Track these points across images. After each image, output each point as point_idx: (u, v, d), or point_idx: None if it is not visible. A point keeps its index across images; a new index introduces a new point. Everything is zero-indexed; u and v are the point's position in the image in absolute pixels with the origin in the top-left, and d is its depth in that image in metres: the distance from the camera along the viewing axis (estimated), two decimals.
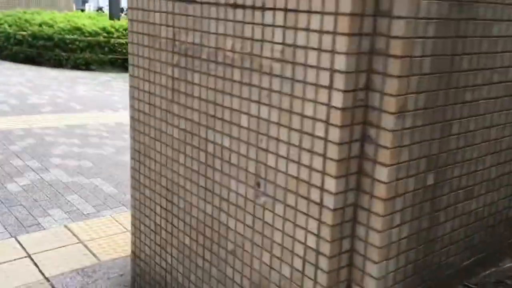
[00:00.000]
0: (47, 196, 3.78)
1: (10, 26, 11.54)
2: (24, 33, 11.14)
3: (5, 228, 3.22)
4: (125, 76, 10.76)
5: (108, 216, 3.50)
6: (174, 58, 1.99)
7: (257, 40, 1.58)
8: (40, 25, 11.17)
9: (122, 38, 10.90)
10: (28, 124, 5.91)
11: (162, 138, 2.14)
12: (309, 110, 1.43)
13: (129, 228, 3.31)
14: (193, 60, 1.88)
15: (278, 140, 1.56)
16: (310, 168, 1.45)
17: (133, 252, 2.55)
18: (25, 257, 2.89)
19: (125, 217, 3.48)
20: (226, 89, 1.74)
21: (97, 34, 10.85)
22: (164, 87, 2.08)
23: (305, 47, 1.42)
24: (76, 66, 10.79)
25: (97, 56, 10.81)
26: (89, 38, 10.78)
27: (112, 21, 11.69)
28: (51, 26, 11.06)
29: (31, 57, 11.13)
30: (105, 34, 10.87)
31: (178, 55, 1.96)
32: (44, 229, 3.26)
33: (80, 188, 3.99)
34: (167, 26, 1.99)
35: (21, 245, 3.03)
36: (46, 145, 5.12)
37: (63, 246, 3.03)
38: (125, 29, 11.15)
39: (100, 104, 7.51)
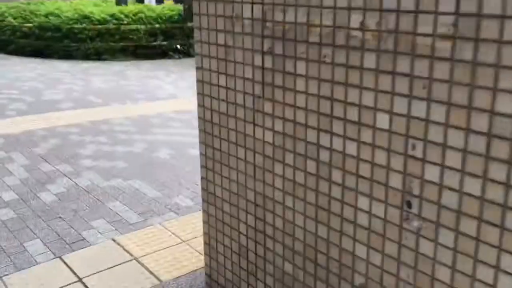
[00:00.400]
0: (86, 205, 3.41)
1: (15, 18, 11.08)
2: (30, 25, 10.69)
3: (47, 247, 2.86)
4: (138, 64, 10.33)
5: (157, 225, 3.13)
6: (264, 44, 1.57)
7: (407, 12, 1.16)
8: (46, 16, 10.71)
9: (132, 24, 10.42)
10: (49, 122, 5.52)
11: (247, 143, 1.74)
12: (507, 105, 1.02)
13: (184, 239, 2.94)
14: (296, 44, 1.46)
15: (445, 146, 1.15)
16: (507, 185, 1.05)
17: (208, 275, 2.18)
18: (76, 281, 2.53)
19: (177, 226, 3.11)
20: (351, 80, 1.33)
21: (106, 21, 10.38)
22: (249, 81, 1.67)
23: (501, 17, 1.00)
24: (86, 57, 10.36)
25: (107, 44, 10.36)
26: (98, 26, 10.31)
27: (120, 7, 11.20)
28: (57, 16, 10.59)
29: (39, 50, 10.69)
30: (114, 21, 10.40)
31: (271, 40, 1.55)
32: (90, 244, 2.89)
33: (120, 193, 3.61)
34: (253, 3, 1.57)
35: (68, 266, 2.66)
36: (72, 145, 4.74)
37: (117, 265, 2.66)
38: (135, 15, 10.68)
39: (118, 95, 7.11)
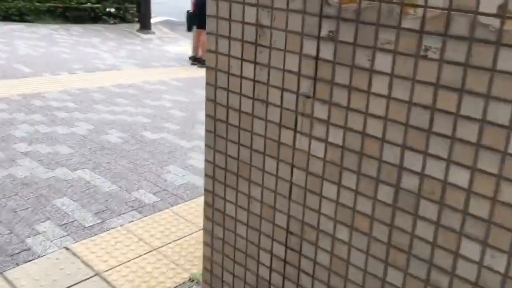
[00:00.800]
0: (26, 203, 2.84)
1: None
2: None
3: None
4: (68, 27, 9.37)
5: (119, 228, 2.64)
6: (323, 27, 1.16)
7: None
8: None
9: None
10: None
11: (281, 155, 1.33)
12: None
13: (155, 245, 2.50)
14: (378, 30, 1.06)
15: None
16: None
17: None
18: None
19: (143, 229, 2.65)
20: (471, 86, 0.96)
21: None
22: (292, 74, 1.25)
23: None
24: (7, 17, 9.24)
25: (32, 4, 9.29)
26: None
27: None
28: None
29: None
30: None
31: (335, 21, 1.13)
32: (39, 256, 2.37)
33: (68, 187, 3.06)
34: None
35: (14, 287, 2.14)
36: (2, 124, 4.05)
37: (76, 284, 2.18)
38: None
39: (51, 64, 6.32)
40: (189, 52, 7.54)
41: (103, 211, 2.81)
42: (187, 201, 2.98)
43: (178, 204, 2.93)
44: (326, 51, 1.16)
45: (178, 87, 5.79)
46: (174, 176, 3.31)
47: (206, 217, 1.63)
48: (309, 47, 1.19)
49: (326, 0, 1.13)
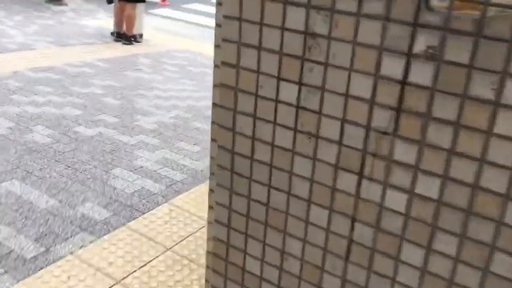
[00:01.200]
0: None
1: None
2: None
3: None
4: None
5: (68, 257, 2.19)
6: (418, 40, 0.82)
7: None
8: None
9: None
10: None
11: (337, 204, 1.00)
12: None
13: (117, 277, 2.09)
14: (511, 49, 0.75)
15: None
16: None
17: None
18: None
19: (99, 255, 2.21)
20: None
21: None
22: (361, 102, 0.91)
23: None
24: None
25: None
26: None
27: None
28: None
29: None
30: None
31: (439, 33, 0.80)
32: None
33: None
34: None
35: None
36: None
37: None
38: None
39: None
40: (110, 27, 6.85)
41: (45, 235, 2.33)
42: (144, 213, 2.57)
43: (135, 218, 2.51)
44: (421, 74, 0.83)
45: (106, 69, 5.19)
46: (123, 181, 2.86)
47: (214, 271, 1.27)
48: (392, 67, 0.86)
49: (426, 2, 0.80)
